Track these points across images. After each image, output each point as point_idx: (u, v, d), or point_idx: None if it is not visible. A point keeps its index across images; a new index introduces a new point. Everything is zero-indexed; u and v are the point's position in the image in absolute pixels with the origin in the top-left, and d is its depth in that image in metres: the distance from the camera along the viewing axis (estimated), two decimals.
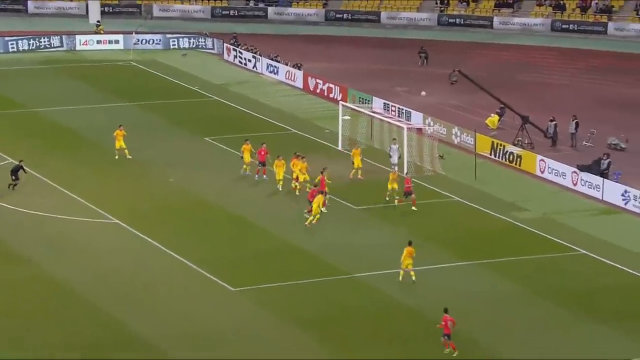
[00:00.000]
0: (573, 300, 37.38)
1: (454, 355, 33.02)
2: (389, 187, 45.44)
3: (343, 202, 45.04)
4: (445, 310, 33.44)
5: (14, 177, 46.16)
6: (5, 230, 42.50)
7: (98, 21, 78.52)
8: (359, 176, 48.50)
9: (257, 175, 48.17)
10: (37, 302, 36.85)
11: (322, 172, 45.13)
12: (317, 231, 42.72)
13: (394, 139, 50.58)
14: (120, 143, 50.55)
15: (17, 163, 46.71)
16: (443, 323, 33.22)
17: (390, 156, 49.79)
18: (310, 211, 42.99)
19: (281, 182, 46.34)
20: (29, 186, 47.75)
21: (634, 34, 76.32)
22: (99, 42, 74.17)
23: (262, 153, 48.22)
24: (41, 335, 34.56)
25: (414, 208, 44.64)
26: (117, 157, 50.58)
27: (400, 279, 38.09)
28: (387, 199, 45.49)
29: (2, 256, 40.18)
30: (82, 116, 58.80)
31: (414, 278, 38.08)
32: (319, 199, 42.70)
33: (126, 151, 50.64)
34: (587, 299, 37.40)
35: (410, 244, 38.38)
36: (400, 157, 49.57)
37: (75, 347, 33.88)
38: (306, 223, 42.55)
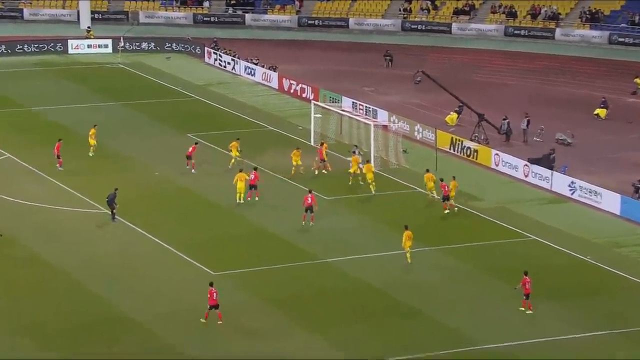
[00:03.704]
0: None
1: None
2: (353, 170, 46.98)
3: (315, 193, 44.92)
4: (525, 273, 34.79)
5: (115, 204, 41.65)
6: (2, 218, 42.13)
7: (88, 27, 78.05)
8: (328, 168, 48.25)
9: (187, 166, 47.79)
10: (32, 284, 36.66)
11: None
12: (290, 218, 42.65)
13: (355, 145, 49.97)
14: (93, 141, 49.98)
15: (114, 191, 41.93)
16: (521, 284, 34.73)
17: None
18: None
19: (241, 196, 44.13)
20: (24, 178, 47.40)
21: (578, 39, 76.66)
22: (89, 46, 73.79)
23: (191, 150, 47.90)
24: (36, 314, 34.41)
25: (446, 211, 43.70)
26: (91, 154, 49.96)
27: (409, 260, 38.38)
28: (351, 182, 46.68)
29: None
30: (74, 114, 58.39)
31: (409, 260, 38.32)
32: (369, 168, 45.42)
33: (91, 148, 49.97)
34: (536, 279, 37.49)
35: (406, 227, 38.55)
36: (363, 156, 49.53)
37: (67, 324, 33.76)
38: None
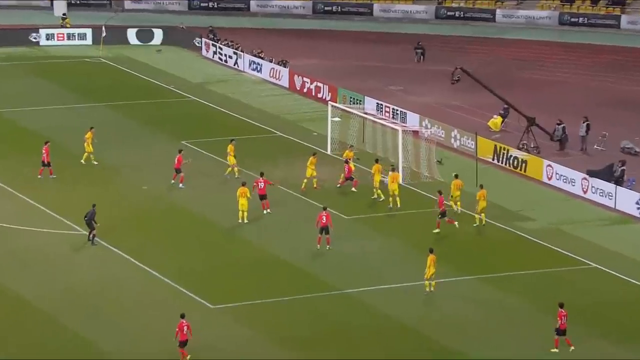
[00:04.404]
0: (583, 316, 37.59)
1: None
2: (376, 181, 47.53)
3: (332, 211, 45.29)
4: (561, 305, 34.94)
5: (95, 224, 41.89)
6: None
7: (64, 14, 78.86)
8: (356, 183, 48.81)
9: (172, 181, 48.41)
10: (0, 320, 37.08)
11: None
12: (302, 241, 42.98)
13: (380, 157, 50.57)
14: (90, 147, 50.93)
15: (92, 209, 42.14)
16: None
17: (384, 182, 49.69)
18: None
19: (244, 215, 44.49)
20: None
21: None
22: (65, 36, 74.47)
23: (178, 160, 48.25)
24: (5, 355, 34.72)
25: (436, 230, 44.37)
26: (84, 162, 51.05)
27: (428, 290, 38.69)
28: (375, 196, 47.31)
29: None
30: (47, 117, 58.99)
31: (431, 289, 38.68)
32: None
33: (92, 156, 50.95)
34: (598, 316, 37.71)
35: (431, 251, 38.89)
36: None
37: None
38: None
